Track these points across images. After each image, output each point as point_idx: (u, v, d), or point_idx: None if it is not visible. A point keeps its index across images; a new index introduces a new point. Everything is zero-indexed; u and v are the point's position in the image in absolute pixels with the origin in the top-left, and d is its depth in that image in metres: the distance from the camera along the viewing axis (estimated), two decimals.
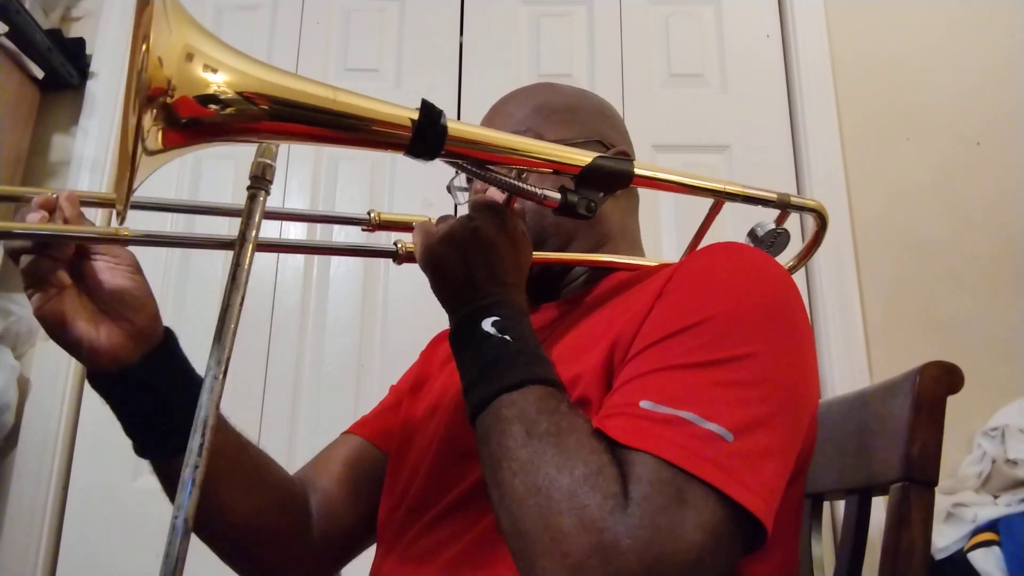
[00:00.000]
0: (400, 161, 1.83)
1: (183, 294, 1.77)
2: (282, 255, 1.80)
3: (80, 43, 1.89)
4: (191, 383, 0.73)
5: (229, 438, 0.78)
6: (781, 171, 1.83)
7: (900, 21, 1.94)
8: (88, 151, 1.85)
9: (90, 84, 1.90)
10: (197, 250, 1.72)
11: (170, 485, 0.75)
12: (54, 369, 1.70)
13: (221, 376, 0.56)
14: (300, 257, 1.80)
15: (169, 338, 0.73)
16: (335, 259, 1.80)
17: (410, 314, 1.72)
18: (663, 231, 1.76)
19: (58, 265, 0.65)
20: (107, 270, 0.68)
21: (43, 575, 1.60)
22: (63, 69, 1.84)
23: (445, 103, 1.88)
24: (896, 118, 1.87)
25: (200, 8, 1.97)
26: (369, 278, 1.79)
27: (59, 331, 0.66)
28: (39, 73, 1.85)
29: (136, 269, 0.70)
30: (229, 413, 1.90)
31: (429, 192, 1.78)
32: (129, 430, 0.73)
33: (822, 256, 1.75)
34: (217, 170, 1.86)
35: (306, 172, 1.87)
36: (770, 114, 1.90)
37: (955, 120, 1.86)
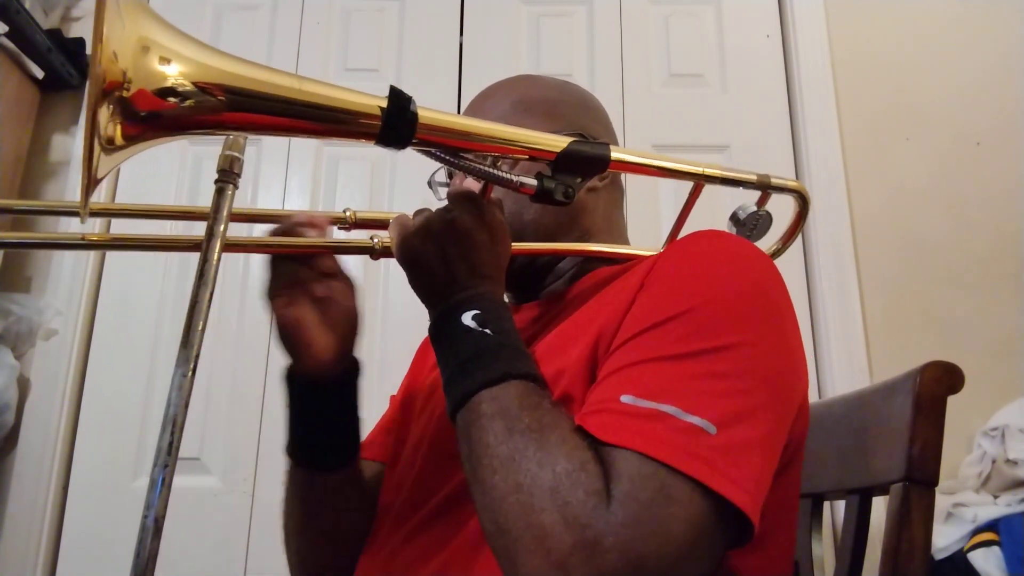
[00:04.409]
0: (400, 160, 1.83)
1: (183, 293, 1.76)
2: None
3: (80, 43, 1.89)
4: (356, 410, 0.79)
5: (357, 478, 0.81)
6: (781, 171, 1.81)
7: (900, 21, 1.94)
8: None
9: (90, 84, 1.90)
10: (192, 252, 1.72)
11: (301, 496, 0.80)
12: (54, 369, 1.70)
13: (190, 374, 0.55)
14: None
15: (358, 366, 0.78)
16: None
17: (409, 314, 1.71)
18: (662, 221, 1.75)
19: (316, 276, 0.74)
20: (342, 290, 0.76)
21: (43, 575, 1.60)
22: (63, 69, 1.84)
23: (445, 103, 1.88)
24: (896, 118, 1.87)
25: (200, 8, 1.97)
26: (368, 278, 1.78)
27: (294, 331, 0.73)
28: (39, 73, 1.85)
29: (356, 293, 0.78)
30: (229, 413, 1.90)
31: (430, 192, 1.78)
32: (297, 433, 0.78)
33: (822, 255, 1.75)
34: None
35: (306, 172, 1.87)
36: (770, 114, 1.90)
37: (955, 120, 1.86)
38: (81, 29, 1.96)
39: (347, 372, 0.77)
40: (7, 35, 1.71)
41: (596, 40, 1.96)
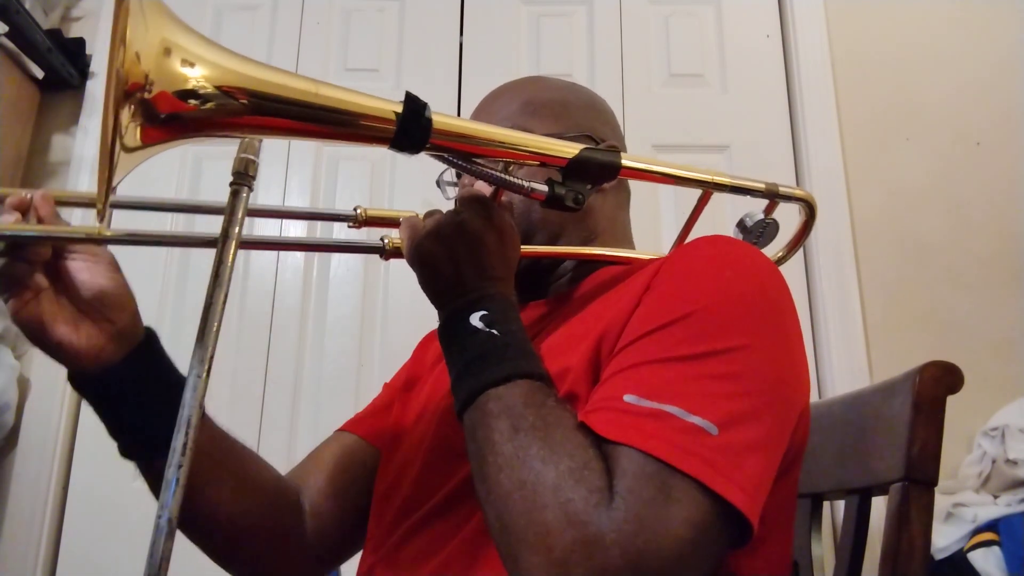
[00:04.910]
0: (400, 160, 1.84)
1: (183, 294, 1.77)
2: (282, 254, 1.80)
3: (80, 43, 1.89)
4: (174, 383, 0.71)
5: (215, 437, 0.77)
6: (781, 171, 1.83)
7: (900, 21, 1.94)
8: (88, 151, 1.85)
9: (90, 84, 1.90)
10: (198, 248, 1.72)
11: (157, 486, 0.72)
12: (54, 369, 1.67)
13: (204, 375, 0.55)
14: (300, 257, 1.80)
15: (151, 338, 0.72)
16: (335, 259, 1.81)
17: (410, 314, 1.72)
18: (663, 226, 1.76)
19: (34, 268, 0.64)
20: (85, 270, 0.67)
21: (43, 575, 1.60)
22: (63, 69, 1.84)
23: (445, 103, 1.88)
24: (896, 118, 1.87)
25: (200, 8, 1.97)
26: (369, 278, 1.79)
27: (39, 335, 0.65)
28: (39, 73, 1.85)
29: (115, 268, 0.69)
30: (229, 413, 1.91)
31: (430, 192, 1.79)
32: (113, 432, 0.72)
33: (822, 256, 1.75)
34: (217, 169, 1.86)
35: (306, 172, 1.87)
36: (770, 114, 1.90)
37: (955, 120, 1.86)
38: (81, 29, 1.96)
39: (136, 350, 0.70)
40: (7, 35, 1.71)
41: (596, 40, 1.96)
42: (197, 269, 1.78)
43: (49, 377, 1.70)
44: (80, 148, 1.86)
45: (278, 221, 1.74)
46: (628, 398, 0.55)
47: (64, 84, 1.88)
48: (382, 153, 1.88)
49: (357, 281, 1.79)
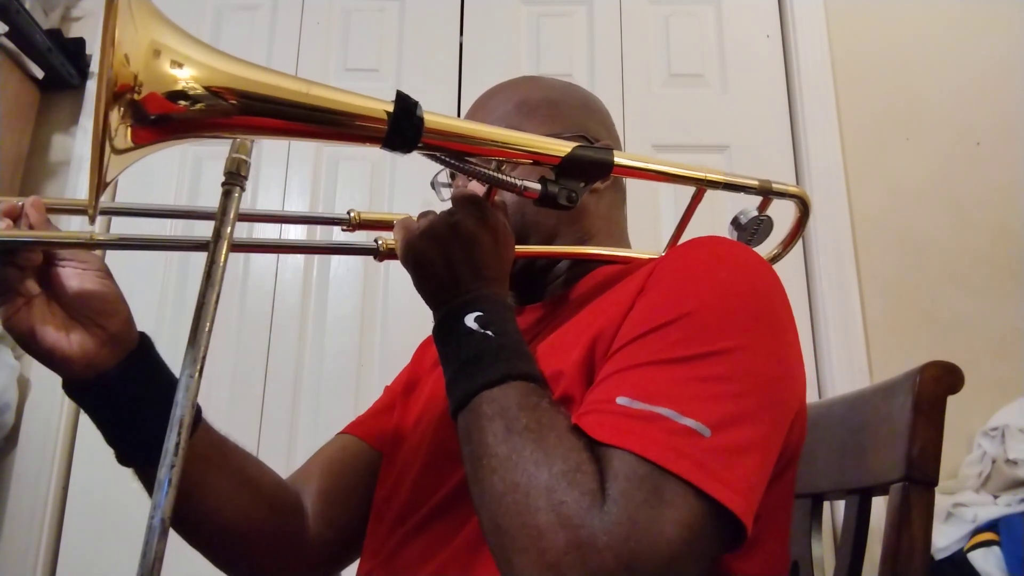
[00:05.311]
0: (400, 161, 1.83)
1: (182, 295, 1.77)
2: (282, 255, 1.80)
3: (80, 43, 1.89)
4: (170, 388, 0.69)
5: (214, 442, 0.76)
6: (781, 171, 1.83)
7: (900, 21, 1.94)
8: (88, 151, 1.84)
9: (90, 84, 1.90)
10: (198, 252, 1.72)
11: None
12: None
13: (197, 375, 0.55)
14: (300, 257, 1.80)
15: (145, 343, 0.71)
16: (335, 259, 1.80)
17: (410, 314, 1.72)
18: (662, 225, 1.76)
19: (25, 274, 0.64)
20: (75, 276, 0.66)
21: (43, 575, 1.60)
22: (63, 69, 1.84)
23: (445, 103, 1.88)
24: (896, 118, 1.87)
25: (200, 8, 1.97)
26: (369, 278, 1.79)
27: (29, 341, 0.64)
28: (39, 73, 1.85)
29: (106, 274, 0.68)
30: (229, 413, 1.90)
31: (430, 192, 1.79)
32: (109, 438, 0.70)
33: (822, 256, 1.75)
34: (217, 169, 1.85)
35: (306, 172, 1.87)
36: (770, 114, 1.90)
37: (955, 120, 1.86)
38: (81, 29, 1.96)
39: (130, 356, 0.69)
40: (7, 35, 1.71)
41: (596, 40, 1.96)
42: (196, 270, 1.78)
43: (49, 377, 1.67)
44: (80, 148, 1.86)
45: (277, 222, 1.74)
46: (621, 400, 0.55)
47: (64, 84, 1.88)
48: (381, 153, 1.87)
49: (357, 281, 1.79)
